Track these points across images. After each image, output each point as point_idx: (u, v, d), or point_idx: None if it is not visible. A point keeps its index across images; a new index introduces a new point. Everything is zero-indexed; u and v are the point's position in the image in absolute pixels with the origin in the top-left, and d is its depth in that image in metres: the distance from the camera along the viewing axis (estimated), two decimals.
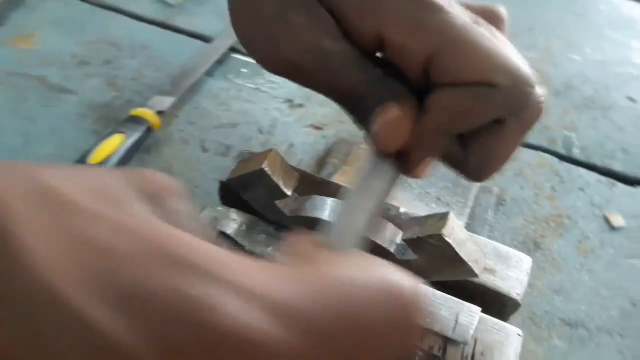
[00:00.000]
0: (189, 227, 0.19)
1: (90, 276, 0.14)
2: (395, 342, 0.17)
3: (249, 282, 0.15)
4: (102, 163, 0.51)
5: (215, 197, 0.52)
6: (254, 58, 0.34)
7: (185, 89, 0.60)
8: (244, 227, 0.32)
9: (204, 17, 0.70)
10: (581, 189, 0.56)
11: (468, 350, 0.30)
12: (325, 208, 0.30)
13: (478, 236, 0.32)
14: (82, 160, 0.51)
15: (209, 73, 0.63)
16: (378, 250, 0.30)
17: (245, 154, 0.36)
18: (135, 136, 0.54)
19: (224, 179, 0.34)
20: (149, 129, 0.55)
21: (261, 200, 0.31)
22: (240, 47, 0.66)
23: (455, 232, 0.27)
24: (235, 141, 0.57)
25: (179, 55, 0.64)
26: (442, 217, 0.28)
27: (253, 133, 0.57)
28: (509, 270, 0.32)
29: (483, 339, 0.30)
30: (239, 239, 0.32)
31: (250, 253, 0.32)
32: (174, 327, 0.14)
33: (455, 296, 0.31)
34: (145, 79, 0.62)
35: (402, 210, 0.34)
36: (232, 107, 0.60)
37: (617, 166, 0.59)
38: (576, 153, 0.60)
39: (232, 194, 0.34)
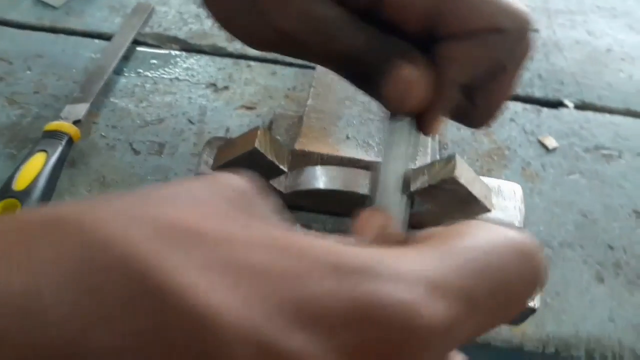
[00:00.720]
0: (287, 225, 0.18)
1: (270, 305, 0.13)
2: (528, 293, 0.18)
3: (408, 269, 0.15)
4: (29, 188, 0.46)
5: None
6: (236, 35, 0.31)
7: (97, 92, 0.55)
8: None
9: (95, 13, 0.65)
10: (512, 120, 0.59)
11: None
12: (320, 177, 0.29)
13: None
14: (6, 189, 0.46)
15: (118, 71, 0.58)
16: None
17: (215, 141, 0.33)
18: (57, 152, 0.49)
19: (200, 170, 0.32)
20: (70, 142, 0.51)
21: None
22: (145, 38, 0.62)
23: (465, 172, 0.27)
24: (167, 137, 0.53)
25: (80, 59, 0.59)
26: (449, 160, 0.28)
27: (183, 125, 0.54)
28: (505, 201, 0.33)
29: None
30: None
31: None
32: (369, 332, 0.13)
33: None
34: (49, 90, 0.56)
35: None
36: (153, 102, 0.56)
37: (537, 92, 0.62)
38: None
39: None
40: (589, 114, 0.60)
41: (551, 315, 0.45)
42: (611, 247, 0.49)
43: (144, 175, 0.50)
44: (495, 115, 0.32)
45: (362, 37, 0.29)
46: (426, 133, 0.31)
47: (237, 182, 0.17)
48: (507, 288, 0.16)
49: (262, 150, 0.27)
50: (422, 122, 0.30)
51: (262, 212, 0.17)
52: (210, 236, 0.14)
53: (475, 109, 0.32)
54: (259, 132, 0.28)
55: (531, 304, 0.29)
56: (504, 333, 0.43)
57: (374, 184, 0.28)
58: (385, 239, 0.20)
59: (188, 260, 0.13)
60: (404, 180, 0.27)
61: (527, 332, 0.43)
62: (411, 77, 0.28)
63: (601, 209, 0.52)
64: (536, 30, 0.29)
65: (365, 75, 0.30)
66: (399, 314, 0.14)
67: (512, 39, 0.29)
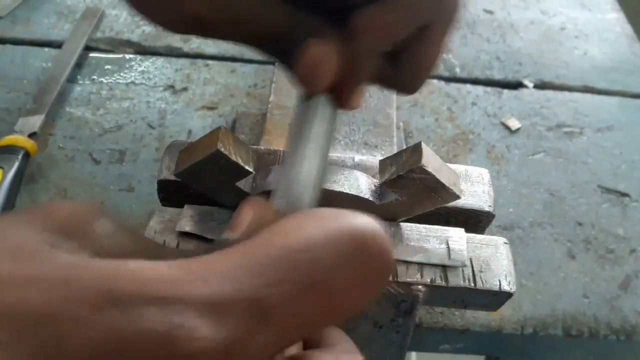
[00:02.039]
0: (122, 246, 0.16)
1: (22, 350, 0.12)
2: (369, 284, 0.16)
3: (188, 289, 0.14)
4: None
5: (126, 207, 0.48)
6: (152, 21, 0.30)
7: (51, 102, 0.53)
8: (205, 221, 0.29)
9: (42, 21, 0.62)
10: (474, 104, 0.59)
11: (467, 271, 0.30)
12: None
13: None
14: None
15: (72, 79, 0.56)
16: (355, 202, 0.29)
17: (174, 144, 0.32)
18: (13, 168, 0.47)
19: (162, 176, 0.31)
20: (27, 156, 0.49)
21: (219, 186, 0.28)
22: (97, 44, 0.60)
23: (431, 160, 0.27)
24: (127, 144, 0.52)
25: (30, 69, 0.57)
26: (415, 149, 0.27)
27: (143, 130, 0.53)
28: (474, 186, 0.32)
29: (477, 256, 0.30)
30: (205, 234, 0.29)
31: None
32: None
33: (432, 224, 0.31)
34: (0, 103, 0.54)
35: (357, 159, 0.33)
36: (111, 109, 0.54)
37: (496, 75, 0.62)
38: (458, 72, 0.62)
39: (175, 191, 0.31)
40: (549, 93, 0.61)
41: (527, 296, 0.45)
42: (580, 224, 0.50)
43: (106, 185, 0.49)
44: (421, 82, 0.31)
45: (276, 16, 0.28)
46: (345, 108, 0.29)
47: (62, 209, 0.16)
48: (325, 285, 0.15)
49: (225, 152, 0.26)
50: (339, 96, 0.29)
51: (93, 235, 0.16)
52: None
53: (404, 73, 0.30)
54: (220, 133, 0.27)
55: (507, 288, 0.29)
56: (481, 318, 0.43)
57: (281, 171, 0.26)
58: (256, 231, 0.18)
59: None
60: (318, 165, 0.25)
61: (505, 315, 0.44)
62: (319, 55, 0.27)
63: (567, 186, 0.53)
64: None
65: (285, 54, 0.29)
66: (159, 344, 0.13)
67: (432, 0, 0.27)
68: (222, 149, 0.26)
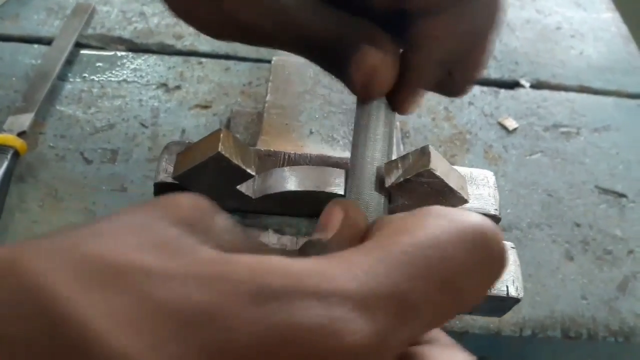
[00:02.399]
0: (239, 243, 0.17)
1: (182, 348, 0.12)
2: (486, 282, 0.17)
3: (334, 285, 0.14)
4: None
5: (118, 208, 0.47)
6: (196, 27, 0.30)
7: (41, 101, 0.52)
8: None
9: (31, 17, 0.61)
10: (471, 103, 0.58)
11: None
12: (289, 178, 0.28)
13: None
14: None
15: (62, 77, 0.55)
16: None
17: (173, 146, 0.31)
18: (2, 167, 0.46)
19: (159, 179, 0.30)
20: (16, 155, 0.48)
21: (219, 190, 0.28)
22: (88, 40, 0.59)
23: (440, 163, 0.26)
24: (119, 143, 0.51)
25: (19, 66, 0.56)
26: (423, 152, 0.27)
27: (136, 129, 0.52)
28: (479, 189, 0.32)
29: None
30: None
31: None
32: None
33: None
34: None
35: None
36: (102, 108, 0.53)
37: (493, 74, 0.62)
38: None
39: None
40: (545, 93, 0.61)
41: (526, 298, 0.44)
42: (578, 225, 0.50)
43: (97, 185, 0.48)
44: (472, 84, 0.32)
45: (327, 22, 0.28)
46: (402, 113, 0.30)
47: (184, 203, 0.16)
48: (455, 281, 0.16)
49: (226, 155, 0.25)
50: (396, 101, 0.29)
51: (212, 231, 0.16)
52: (129, 272, 0.13)
53: (452, 78, 0.31)
54: (221, 135, 0.26)
55: (515, 294, 0.29)
56: (480, 320, 0.43)
57: (347, 176, 0.27)
58: (349, 231, 0.19)
59: (103, 303, 0.13)
60: (379, 168, 0.26)
61: (503, 317, 0.43)
62: (375, 62, 0.27)
63: (565, 186, 0.52)
64: None
65: (333, 60, 0.29)
66: (319, 337, 0.13)
67: (486, 5, 0.28)
68: (224, 152, 0.25)
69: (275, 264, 0.14)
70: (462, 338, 0.44)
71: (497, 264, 0.17)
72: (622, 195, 0.52)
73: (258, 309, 0.13)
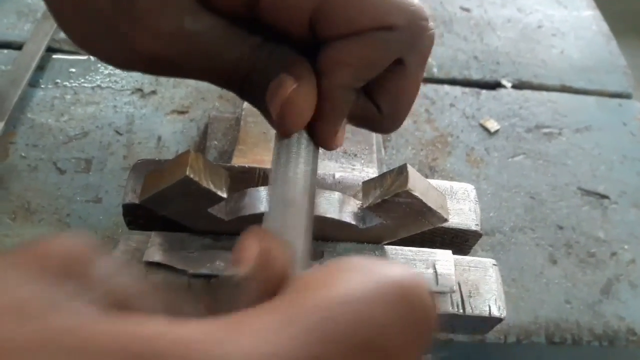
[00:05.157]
0: (124, 289, 0.15)
1: None
2: (415, 340, 0.15)
3: (248, 352, 0.12)
4: None
5: (93, 219, 0.45)
6: (98, 58, 0.28)
7: (12, 108, 0.50)
8: (175, 249, 0.27)
9: (1, 20, 0.59)
10: (452, 105, 0.58)
11: (456, 297, 0.28)
12: (264, 199, 0.27)
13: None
14: None
15: (33, 83, 0.54)
16: (338, 226, 0.27)
17: (140, 164, 0.30)
18: None
19: (127, 200, 0.28)
20: None
21: (189, 213, 0.27)
22: (60, 45, 0.57)
23: (418, 183, 0.25)
24: (94, 152, 0.49)
25: None
26: (401, 172, 0.26)
27: (110, 137, 0.50)
28: (459, 203, 0.31)
29: (465, 280, 0.29)
30: (175, 264, 0.27)
31: (196, 276, 0.27)
32: None
33: (417, 246, 0.29)
34: None
35: (337, 176, 0.31)
36: (75, 115, 0.52)
37: (474, 75, 0.61)
38: (436, 72, 0.61)
39: (142, 215, 0.29)
40: (527, 93, 0.60)
41: (510, 303, 0.44)
42: (560, 227, 0.49)
43: (72, 196, 0.46)
44: (403, 118, 0.30)
45: (241, 49, 0.26)
46: (325, 147, 0.28)
47: (59, 248, 0.15)
48: (375, 345, 0.14)
49: (195, 178, 0.24)
50: (317, 135, 0.27)
51: (95, 276, 0.14)
52: None
53: (380, 112, 0.29)
54: (190, 157, 0.24)
55: (497, 313, 0.28)
56: None
57: (268, 217, 0.25)
58: (265, 269, 0.17)
59: None
60: (298, 206, 0.23)
61: None
62: (291, 93, 0.25)
63: (548, 189, 0.52)
64: (427, 21, 0.27)
65: (250, 90, 0.27)
66: None
67: (406, 33, 0.26)
68: (192, 175, 0.24)
69: (156, 331, 0.12)
70: (447, 346, 0.43)
71: (421, 321, 0.15)
72: (604, 197, 0.52)
73: None
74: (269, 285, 0.17)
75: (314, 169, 0.27)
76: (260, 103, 0.27)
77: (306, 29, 0.26)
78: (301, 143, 0.26)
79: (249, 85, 0.27)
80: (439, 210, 0.26)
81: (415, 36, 0.27)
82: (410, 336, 0.14)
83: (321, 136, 0.28)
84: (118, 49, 0.26)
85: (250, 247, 0.18)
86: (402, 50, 0.27)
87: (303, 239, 0.22)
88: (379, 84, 0.29)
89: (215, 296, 0.16)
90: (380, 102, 0.29)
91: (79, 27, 0.27)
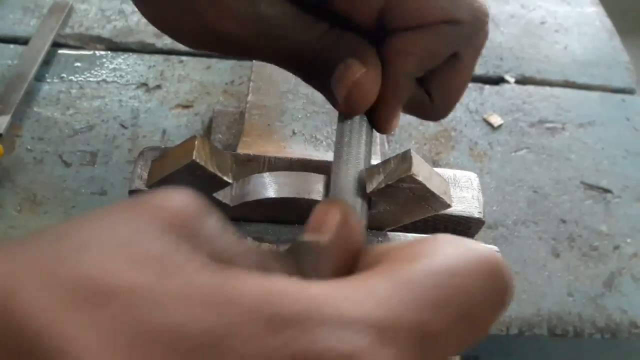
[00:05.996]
0: (237, 250, 0.16)
1: None
2: (495, 316, 0.17)
3: (354, 312, 0.13)
4: None
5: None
6: (173, 37, 0.29)
7: (18, 102, 0.51)
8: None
9: (7, 16, 0.60)
10: None
11: None
12: (269, 185, 0.27)
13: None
14: None
15: (39, 77, 0.54)
16: None
17: (148, 151, 0.31)
18: None
19: (134, 187, 0.29)
20: None
21: None
22: (66, 40, 0.57)
23: (421, 168, 0.26)
24: (99, 145, 0.50)
25: None
26: (405, 157, 0.26)
27: (115, 130, 0.51)
28: (463, 191, 0.31)
29: None
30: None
31: None
32: None
33: (420, 233, 0.30)
34: None
35: None
36: (81, 109, 0.52)
37: (478, 70, 0.61)
38: None
39: None
40: (530, 88, 0.60)
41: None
42: (564, 221, 0.50)
43: (77, 188, 0.47)
44: (452, 108, 0.32)
45: (310, 34, 0.27)
46: (381, 131, 0.30)
47: (174, 204, 0.15)
48: (471, 314, 0.15)
49: (201, 163, 0.24)
50: (376, 119, 0.29)
51: (205, 235, 0.15)
52: (121, 294, 0.12)
53: (432, 101, 0.31)
54: (196, 142, 0.25)
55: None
56: None
57: (328, 190, 0.27)
58: (346, 238, 0.18)
59: (92, 331, 0.11)
60: (359, 184, 0.26)
61: None
62: (359, 75, 0.27)
63: (551, 183, 0.52)
64: (488, 18, 0.29)
65: (315, 73, 0.29)
66: None
67: (468, 30, 0.28)
68: (198, 160, 0.24)
69: (290, 287, 0.13)
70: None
71: (507, 294, 0.16)
72: (607, 191, 0.52)
73: (274, 336, 0.12)
74: (349, 255, 0.17)
75: (371, 150, 0.29)
76: (323, 86, 0.29)
77: (374, 19, 0.28)
78: (362, 125, 0.28)
79: (315, 70, 0.29)
80: (442, 196, 0.26)
81: (476, 31, 0.28)
82: (496, 306, 0.16)
83: (380, 120, 0.29)
84: (192, 27, 0.27)
85: (332, 214, 0.18)
86: (463, 44, 0.29)
87: (362, 216, 0.24)
88: (433, 74, 0.30)
89: (296, 259, 0.17)
90: (433, 91, 0.31)
91: (154, 3, 0.28)
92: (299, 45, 0.27)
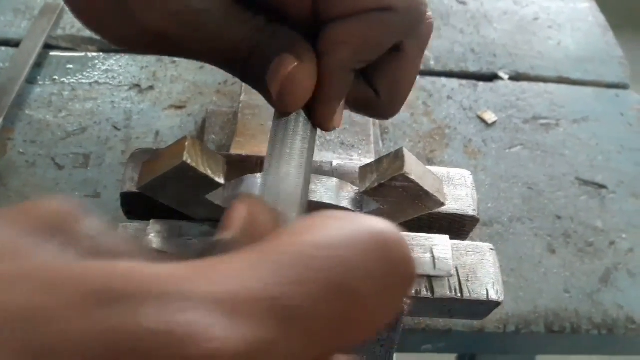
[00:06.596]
0: (109, 248, 0.15)
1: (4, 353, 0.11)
2: (395, 290, 0.15)
3: (206, 287, 0.12)
4: None
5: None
6: (105, 38, 0.28)
7: (10, 105, 0.50)
8: (173, 237, 0.27)
9: None
10: (449, 97, 0.58)
11: (454, 280, 0.29)
12: (262, 185, 0.27)
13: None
14: None
15: (31, 80, 0.54)
16: None
17: (139, 153, 0.30)
18: None
19: (125, 189, 0.29)
20: None
21: (187, 199, 0.27)
22: (57, 42, 0.57)
23: (414, 166, 0.25)
24: (92, 147, 0.49)
25: None
26: (397, 156, 0.26)
27: (108, 132, 0.51)
28: (457, 189, 0.31)
29: (463, 264, 0.29)
30: (173, 251, 0.27)
31: None
32: None
33: (414, 232, 0.30)
34: None
35: (335, 164, 0.31)
36: (74, 111, 0.52)
37: (471, 67, 0.61)
38: (433, 65, 0.61)
39: (140, 204, 0.29)
40: (524, 85, 0.60)
41: (509, 293, 0.44)
42: (559, 217, 0.50)
43: (70, 191, 0.46)
44: (400, 104, 0.30)
45: (245, 30, 0.27)
46: (322, 128, 0.29)
47: (43, 207, 0.15)
48: (350, 286, 0.13)
49: (192, 164, 0.24)
50: (315, 115, 0.28)
51: (79, 234, 0.14)
52: None
53: (382, 95, 0.30)
54: (187, 143, 0.25)
55: (495, 297, 0.28)
56: None
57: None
58: (252, 231, 0.17)
59: None
60: (292, 182, 0.24)
61: None
62: (291, 70, 0.26)
63: (545, 179, 0.52)
64: (426, 6, 0.28)
65: (249, 69, 0.28)
66: (167, 342, 0.11)
67: (406, 16, 0.27)
68: (189, 161, 0.24)
69: (120, 267, 0.12)
70: (446, 336, 0.43)
71: (399, 270, 0.15)
72: (602, 187, 0.52)
73: (93, 313, 0.11)
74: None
75: (311, 147, 0.27)
76: (261, 84, 0.28)
77: (308, 11, 0.27)
78: (299, 122, 0.27)
79: (251, 67, 0.28)
80: (435, 194, 0.26)
81: (414, 20, 0.27)
82: (384, 283, 0.14)
83: (319, 116, 0.28)
84: (126, 27, 0.27)
85: (238, 212, 0.18)
86: (401, 33, 0.28)
87: (297, 212, 0.23)
88: (377, 69, 0.29)
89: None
90: (378, 87, 0.30)
91: (87, 5, 0.27)
92: (232, 42, 0.27)
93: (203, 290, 0.12)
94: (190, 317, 0.11)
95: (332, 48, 0.27)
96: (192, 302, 0.12)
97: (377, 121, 0.53)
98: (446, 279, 0.29)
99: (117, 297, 0.11)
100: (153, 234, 0.28)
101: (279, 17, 0.28)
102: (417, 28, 0.28)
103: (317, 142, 0.41)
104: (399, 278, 0.15)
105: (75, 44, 0.58)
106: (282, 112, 0.27)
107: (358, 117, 0.43)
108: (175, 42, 0.27)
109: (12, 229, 0.14)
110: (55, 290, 0.11)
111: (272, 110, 0.42)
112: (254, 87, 0.29)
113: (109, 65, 0.56)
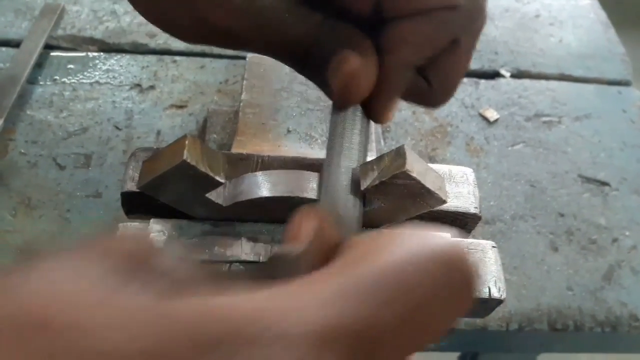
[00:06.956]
0: (184, 280, 0.15)
1: None
2: (458, 308, 0.16)
3: (291, 321, 0.13)
4: None
5: (93, 214, 0.45)
6: (170, 33, 0.29)
7: (11, 105, 0.50)
8: (174, 236, 0.27)
9: None
10: None
11: None
12: (262, 184, 0.27)
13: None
14: None
15: (32, 80, 0.54)
16: None
17: (139, 152, 0.30)
18: None
19: (126, 188, 0.29)
20: None
21: (187, 198, 0.27)
22: (58, 42, 0.57)
23: (416, 164, 0.25)
24: (93, 147, 0.49)
25: None
26: (399, 153, 0.26)
27: (110, 132, 0.50)
28: (459, 187, 0.31)
29: None
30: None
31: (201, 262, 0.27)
32: None
33: None
34: None
35: None
36: (75, 111, 0.52)
37: (474, 64, 0.61)
38: None
39: (141, 203, 0.29)
40: (526, 82, 0.60)
41: (512, 291, 0.44)
42: (562, 215, 0.49)
43: (72, 191, 0.46)
44: (452, 93, 0.31)
45: (305, 25, 0.27)
46: (377, 121, 0.29)
47: (120, 246, 0.15)
48: (422, 310, 0.14)
49: (192, 163, 0.24)
50: (372, 109, 0.29)
51: (155, 272, 0.15)
52: (56, 326, 0.12)
53: (431, 88, 0.30)
54: (187, 142, 0.25)
55: (497, 294, 0.28)
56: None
57: (321, 183, 0.27)
58: (321, 246, 0.18)
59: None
60: (352, 175, 0.26)
61: None
62: (355, 67, 0.26)
63: (548, 177, 0.52)
64: (486, 2, 0.28)
65: (311, 64, 0.28)
66: None
67: (467, 15, 0.27)
68: (189, 159, 0.24)
69: (219, 306, 0.13)
70: (449, 334, 0.43)
71: (465, 290, 0.16)
72: (604, 184, 0.52)
73: (204, 358, 0.12)
74: (324, 260, 0.17)
75: (367, 141, 0.28)
76: (319, 77, 0.28)
77: (370, 8, 0.28)
78: (356, 115, 0.28)
79: (310, 61, 0.28)
80: (437, 192, 0.26)
81: (475, 17, 0.28)
82: (452, 303, 0.15)
83: (376, 111, 0.29)
84: (190, 22, 0.27)
85: (307, 224, 0.18)
86: (462, 30, 0.28)
87: (357, 213, 0.24)
88: (432, 61, 0.30)
89: (272, 272, 0.16)
90: (432, 77, 0.30)
91: (153, 3, 0.28)
92: (294, 37, 0.27)
93: (294, 323, 0.13)
94: (287, 356, 0.12)
95: (395, 46, 0.28)
96: (287, 339, 0.12)
97: None
98: None
99: (216, 343, 0.12)
100: (153, 233, 0.28)
101: (339, 15, 0.28)
102: (476, 24, 0.29)
103: (319, 141, 0.41)
104: (463, 294, 0.16)
105: (76, 43, 0.58)
106: (340, 106, 0.28)
107: None
108: (237, 37, 0.28)
109: (94, 274, 0.14)
110: (160, 334, 0.12)
111: (272, 109, 0.42)
112: (312, 80, 0.30)
113: (109, 65, 0.56)
